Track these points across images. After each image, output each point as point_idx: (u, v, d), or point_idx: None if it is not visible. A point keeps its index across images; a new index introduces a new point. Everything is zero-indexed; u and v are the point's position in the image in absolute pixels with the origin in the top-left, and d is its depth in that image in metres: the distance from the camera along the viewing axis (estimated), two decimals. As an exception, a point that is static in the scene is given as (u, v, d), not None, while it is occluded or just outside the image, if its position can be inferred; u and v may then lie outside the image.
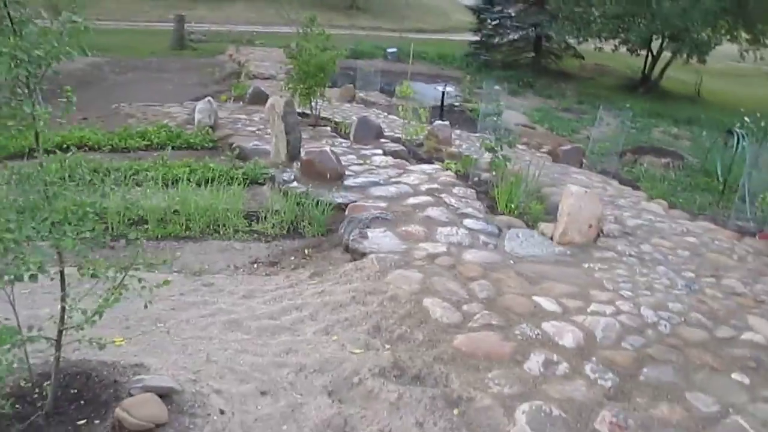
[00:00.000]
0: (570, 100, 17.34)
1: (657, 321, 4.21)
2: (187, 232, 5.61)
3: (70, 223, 2.44)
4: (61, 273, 2.76)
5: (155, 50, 21.52)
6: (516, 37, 22.20)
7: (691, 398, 3.47)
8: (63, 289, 2.78)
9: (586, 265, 5.08)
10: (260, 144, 8.53)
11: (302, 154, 7.28)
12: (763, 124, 9.58)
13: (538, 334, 3.89)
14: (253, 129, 9.89)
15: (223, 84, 17.66)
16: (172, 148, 8.80)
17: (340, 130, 10.31)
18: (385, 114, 12.93)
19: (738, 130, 8.70)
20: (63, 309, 2.80)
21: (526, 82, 18.92)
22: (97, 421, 2.81)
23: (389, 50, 21.97)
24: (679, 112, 16.61)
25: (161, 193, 6.37)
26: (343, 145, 8.97)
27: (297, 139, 7.80)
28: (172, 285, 4.75)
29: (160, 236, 5.50)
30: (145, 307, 2.88)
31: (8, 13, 2.12)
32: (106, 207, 5.59)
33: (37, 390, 2.91)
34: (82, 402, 2.94)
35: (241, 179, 6.84)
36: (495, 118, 12.46)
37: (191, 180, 6.69)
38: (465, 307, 4.15)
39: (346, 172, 6.97)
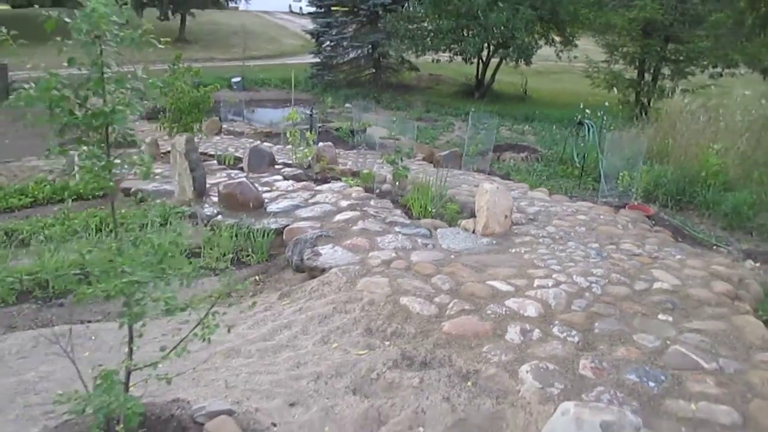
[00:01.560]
0: (419, 111, 18.55)
1: (589, 285, 5.02)
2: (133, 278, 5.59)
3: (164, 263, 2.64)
4: (129, 314, 2.90)
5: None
6: (355, 56, 23.20)
7: (637, 339, 4.26)
8: (131, 330, 2.92)
9: (513, 250, 5.83)
10: (159, 185, 8.48)
11: (214, 188, 7.42)
12: (600, 114, 11.16)
13: (505, 310, 4.52)
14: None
15: (71, 132, 16.72)
16: (61, 200, 8.49)
17: (226, 162, 10.41)
18: (258, 141, 13.13)
19: (587, 121, 10.07)
20: (131, 350, 2.94)
21: (372, 98, 19.89)
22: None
23: (234, 80, 22.03)
24: (515, 110, 18.41)
25: (80, 244, 6.26)
26: (240, 175, 9.13)
27: (202, 175, 7.90)
28: (149, 329, 4.83)
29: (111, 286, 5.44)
30: (207, 341, 3.06)
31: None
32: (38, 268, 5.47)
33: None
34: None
35: (157, 222, 6.86)
36: (361, 135, 13.22)
37: (102, 230, 6.63)
38: (437, 299, 4.68)
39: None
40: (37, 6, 3.58)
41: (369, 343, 4.23)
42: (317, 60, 23.62)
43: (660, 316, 4.61)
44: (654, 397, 3.62)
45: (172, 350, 2.89)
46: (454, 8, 18.27)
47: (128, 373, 2.93)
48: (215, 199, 7.53)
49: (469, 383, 3.75)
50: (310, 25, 44.03)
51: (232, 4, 41.75)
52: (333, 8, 22.00)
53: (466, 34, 18.93)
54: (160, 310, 2.53)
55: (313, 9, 25.40)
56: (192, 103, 10.39)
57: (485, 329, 4.27)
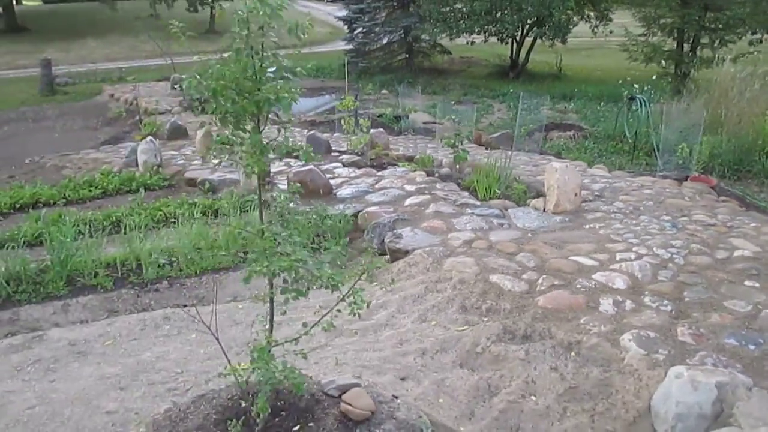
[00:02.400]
0: (457, 94, 18.56)
1: (670, 256, 5.10)
2: (220, 264, 5.82)
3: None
4: (270, 286, 3.07)
5: (24, 99, 20.31)
6: (387, 41, 23.22)
7: (728, 305, 4.34)
8: (272, 306, 3.11)
9: (588, 226, 5.92)
10: (223, 175, 8.69)
11: (277, 177, 7.60)
12: (646, 88, 11.10)
13: (594, 284, 4.63)
14: (198, 162, 9.96)
15: (115, 125, 17.11)
16: (129, 191, 8.77)
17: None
18: (306, 130, 13.31)
19: (639, 96, 10.05)
20: (271, 326, 3.13)
21: (408, 83, 19.93)
22: (311, 425, 3.15)
23: (269, 69, 22.14)
24: (551, 89, 18.30)
25: (162, 233, 6.50)
26: (299, 163, 9.31)
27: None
28: (249, 310, 5.05)
29: (199, 271, 5.68)
30: (357, 316, 3.20)
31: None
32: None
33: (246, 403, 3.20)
34: (282, 413, 3.26)
35: (232, 209, 7.07)
36: (405, 120, 13.31)
37: (181, 218, 6.86)
38: (525, 276, 4.81)
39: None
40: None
41: (467, 319, 4.38)
42: (350, 47, 23.66)
43: (746, 283, 4.68)
44: (756, 359, 3.71)
45: (313, 325, 3.06)
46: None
47: (269, 341, 3.11)
48: (283, 186, 7.71)
49: (573, 353, 3.89)
50: (337, 11, 44.24)
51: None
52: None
53: (499, 15, 18.83)
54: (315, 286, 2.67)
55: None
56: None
57: (579, 302, 4.39)
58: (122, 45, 31.64)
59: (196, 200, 7.44)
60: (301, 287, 2.66)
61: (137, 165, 9.76)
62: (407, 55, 23.01)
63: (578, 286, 4.61)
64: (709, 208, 6.49)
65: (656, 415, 3.32)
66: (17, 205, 8.10)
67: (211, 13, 35.00)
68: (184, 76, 2.81)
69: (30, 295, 5.25)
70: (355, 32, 23.27)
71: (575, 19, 19.77)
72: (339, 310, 3.04)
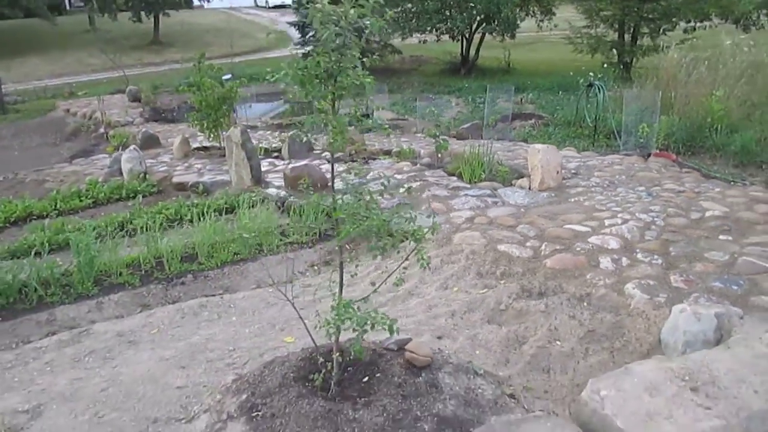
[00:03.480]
0: (414, 91, 19.13)
1: (652, 220, 5.72)
2: (237, 257, 6.15)
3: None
4: (340, 253, 3.48)
5: (-29, 119, 19.90)
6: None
7: (708, 256, 4.95)
8: (341, 271, 3.52)
9: (572, 200, 6.51)
10: (212, 177, 8.98)
11: (266, 176, 7.94)
12: (599, 76, 11.86)
13: (591, 246, 5.19)
14: (182, 167, 10.18)
15: (75, 140, 17.01)
16: (119, 199, 8.96)
17: (260, 153, 10.89)
18: (277, 132, 13.63)
19: (597, 83, 10.78)
20: (341, 288, 3.54)
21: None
22: (378, 375, 3.57)
23: (225, 77, 22.19)
24: (503, 82, 19.03)
25: (172, 233, 6.78)
26: (283, 162, 9.68)
27: (258, 163, 8.44)
28: (278, 294, 5.41)
29: (220, 264, 6.00)
30: (425, 268, 3.64)
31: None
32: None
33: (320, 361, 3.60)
34: (349, 368, 3.66)
35: (233, 207, 7.40)
36: (372, 117, 13.74)
37: (186, 217, 7.16)
38: (528, 244, 5.34)
39: (324, 180, 7.78)
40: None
41: (485, 283, 4.87)
42: (304, 51, 23.95)
43: (720, 237, 5.33)
44: (740, 296, 4.33)
45: (380, 284, 3.49)
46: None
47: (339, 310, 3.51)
48: (277, 183, 8.07)
49: (586, 303, 4.42)
50: (279, 17, 44.33)
51: (197, 3, 41.60)
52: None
53: (450, 14, 19.49)
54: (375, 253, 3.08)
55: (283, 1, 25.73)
56: (220, 98, 10.83)
57: (581, 261, 4.94)
58: (66, 60, 31.08)
59: (196, 201, 7.71)
60: (385, 246, 3.05)
61: (121, 174, 9.92)
62: (362, 56, 23.43)
63: (577, 248, 5.16)
64: (675, 179, 7.18)
65: (666, 345, 3.87)
66: (11, 219, 8.19)
67: (155, 23, 34.71)
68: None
69: (61, 296, 5.49)
70: (308, 36, 23.57)
71: (522, 14, 20.61)
72: (373, 283, 3.47)
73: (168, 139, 13.48)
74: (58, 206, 8.55)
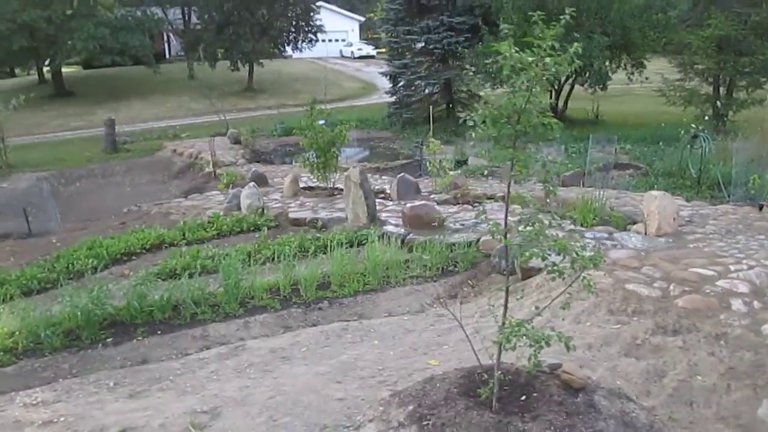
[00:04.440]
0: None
1: (779, 267, 5.78)
2: (367, 287, 6.56)
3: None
4: (507, 278, 3.80)
5: (90, 157, 21.52)
6: (428, 92, 24.38)
7: None
8: (506, 295, 3.84)
9: (692, 245, 6.63)
10: (329, 214, 9.52)
11: (402, 212, 8.38)
12: (701, 128, 11.90)
13: (720, 289, 5.31)
14: (294, 204, 10.81)
15: (182, 178, 18.19)
16: (240, 231, 9.59)
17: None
18: (378, 175, 14.23)
19: (701, 134, 10.86)
20: (505, 309, 3.85)
21: (451, 131, 20.94)
22: (535, 395, 3.83)
23: (320, 122, 23.31)
24: (593, 133, 19.18)
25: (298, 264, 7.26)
26: (391, 203, 10.15)
27: (374, 202, 8.91)
28: (414, 321, 5.77)
29: (353, 292, 6.42)
30: (590, 292, 3.94)
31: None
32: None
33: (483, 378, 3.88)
34: (506, 387, 3.93)
35: (352, 242, 7.84)
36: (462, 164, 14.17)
37: (309, 249, 7.64)
38: (655, 285, 5.50)
39: (438, 220, 8.17)
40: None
41: (618, 319, 5.07)
42: (393, 99, 24.88)
43: None
44: None
45: (544, 308, 3.79)
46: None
47: (501, 333, 3.81)
48: (393, 221, 8.51)
49: (722, 342, 4.55)
50: (365, 68, 45.97)
51: (287, 53, 43.62)
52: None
53: (541, 65, 19.89)
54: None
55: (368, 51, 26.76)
56: (329, 141, 11.49)
57: (713, 303, 5.06)
58: (168, 105, 33.22)
59: (318, 235, 8.21)
60: (561, 271, 3.36)
61: (239, 208, 10.62)
62: (449, 106, 24.12)
63: (706, 290, 5.29)
64: (794, 228, 7.19)
65: (812, 385, 3.96)
66: (146, 246, 8.93)
67: (250, 71, 36.68)
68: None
69: (211, 315, 6.02)
70: (398, 85, 24.47)
71: (613, 66, 20.78)
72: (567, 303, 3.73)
73: (274, 179, 14.28)
74: (186, 236, 9.25)
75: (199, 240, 9.23)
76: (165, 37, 48.73)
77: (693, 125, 11.46)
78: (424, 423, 3.60)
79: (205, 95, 26.87)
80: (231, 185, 13.92)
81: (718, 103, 16.22)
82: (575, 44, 3.17)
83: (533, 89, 3.28)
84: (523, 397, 3.81)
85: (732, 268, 5.77)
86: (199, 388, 4.68)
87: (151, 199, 14.80)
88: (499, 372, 3.77)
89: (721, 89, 18.74)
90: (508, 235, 3.62)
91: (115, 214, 12.85)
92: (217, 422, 4.10)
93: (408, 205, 8.30)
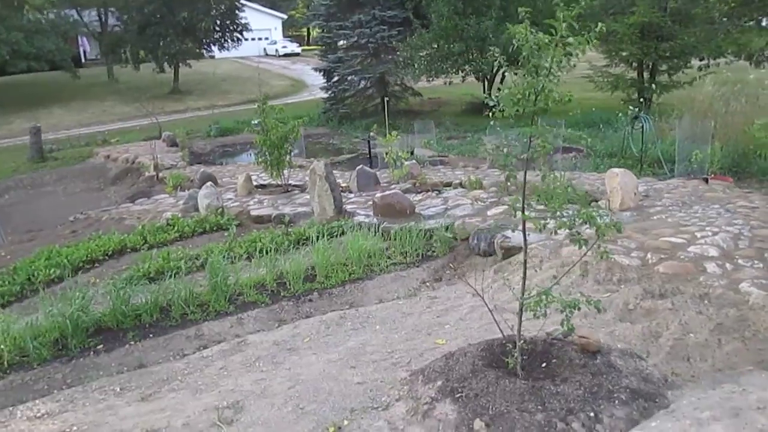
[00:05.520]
0: (451, 130, 19.91)
1: (739, 231, 6.23)
2: (352, 276, 6.63)
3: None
4: (525, 253, 3.97)
5: (15, 167, 20.50)
6: (362, 87, 24.49)
7: (803, 260, 5.47)
8: (525, 268, 4.01)
9: (655, 217, 7.03)
10: (294, 209, 9.51)
11: (373, 202, 8.46)
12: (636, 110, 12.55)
13: (693, 255, 5.68)
14: (252, 203, 10.72)
15: (120, 184, 17.59)
16: (203, 232, 9.45)
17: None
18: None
19: (642, 115, 11.46)
20: (524, 282, 4.02)
21: (389, 124, 21.12)
22: (554, 360, 4.03)
23: (254, 122, 23.03)
24: (527, 120, 19.84)
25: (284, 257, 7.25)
26: (353, 195, 10.23)
27: (340, 195, 8.97)
28: (410, 305, 5.89)
29: (340, 282, 6.48)
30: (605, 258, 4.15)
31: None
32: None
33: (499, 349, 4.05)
34: (524, 356, 4.11)
35: (327, 234, 7.89)
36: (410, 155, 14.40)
37: (282, 245, 7.64)
38: (633, 254, 5.83)
39: (407, 208, 8.32)
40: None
41: (606, 288, 5.36)
42: (327, 95, 24.88)
43: (805, 244, 5.84)
44: (844, 290, 4.82)
45: (562, 276, 3.98)
46: (462, 32, 19.82)
47: (521, 305, 3.99)
48: (361, 212, 8.60)
49: (707, 301, 4.90)
50: (291, 65, 45.58)
51: (212, 54, 42.69)
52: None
53: (474, 56, 20.39)
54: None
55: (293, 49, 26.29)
56: (282, 137, 11.43)
57: (689, 267, 5.43)
58: (90, 111, 31.91)
59: (290, 230, 8.21)
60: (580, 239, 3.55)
61: (196, 210, 10.44)
62: (384, 99, 24.32)
63: (681, 256, 5.66)
64: (743, 197, 7.74)
65: (794, 332, 4.34)
66: (108, 252, 8.68)
67: (176, 73, 35.73)
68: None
69: (201, 314, 5.95)
70: (333, 81, 24.49)
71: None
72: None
73: (222, 179, 14.08)
74: (147, 240, 9.04)
75: (161, 243, 9.04)
76: (80, 41, 46.70)
77: (631, 107, 12.06)
78: (458, 395, 3.75)
79: (135, 98, 26.02)
80: (179, 187, 13.63)
81: (653, 86, 17.06)
82: (600, 24, 3.33)
83: (552, 68, 3.44)
84: (544, 364, 4.02)
85: (698, 235, 6.18)
86: (213, 385, 4.65)
87: (89, 207, 14.28)
88: (521, 341, 3.95)
89: (645, 74, 19.71)
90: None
91: (59, 223, 12.37)
92: (243, 416, 4.11)
93: (378, 194, 8.41)
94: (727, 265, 5.43)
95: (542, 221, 3.82)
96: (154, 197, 13.27)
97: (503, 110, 3.61)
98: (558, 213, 3.74)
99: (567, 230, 3.65)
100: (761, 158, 9.98)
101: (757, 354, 4.25)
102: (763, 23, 20.63)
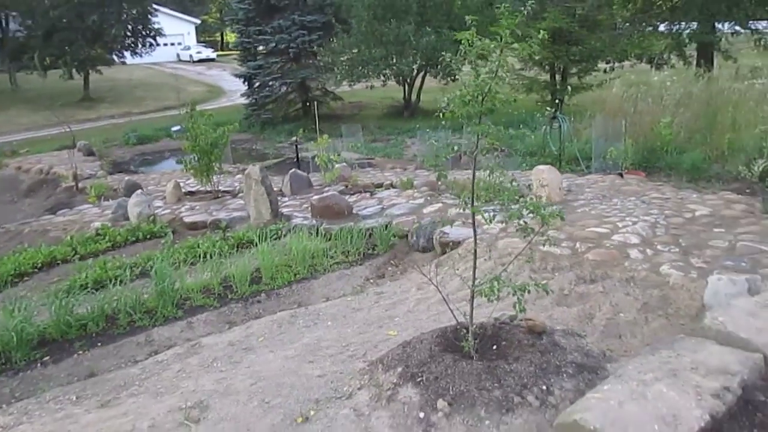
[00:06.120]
0: (375, 133, 20.20)
1: (656, 220, 6.81)
2: (297, 276, 6.77)
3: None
4: (475, 242, 4.26)
5: None
6: (284, 92, 24.48)
7: (712, 244, 6.00)
8: (475, 256, 4.30)
9: (580, 210, 7.54)
10: (228, 214, 9.52)
11: (310, 204, 8.59)
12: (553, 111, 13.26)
13: (617, 242, 6.18)
14: (184, 209, 10.62)
15: (35, 196, 16.88)
16: (135, 241, 9.30)
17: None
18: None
19: (560, 115, 12.12)
20: (474, 270, 4.31)
21: (312, 128, 21.26)
22: (504, 342, 4.33)
23: (174, 128, 22.65)
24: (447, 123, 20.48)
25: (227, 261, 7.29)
26: (287, 198, 10.33)
27: (276, 198, 9.07)
28: (359, 301, 6.09)
29: (286, 283, 6.60)
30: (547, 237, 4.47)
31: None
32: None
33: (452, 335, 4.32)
34: (475, 339, 4.40)
35: (267, 237, 7.97)
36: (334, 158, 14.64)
37: (223, 249, 7.69)
38: (564, 245, 6.27)
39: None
40: None
41: (542, 276, 5.75)
42: (249, 101, 24.71)
43: (715, 230, 6.45)
44: (748, 270, 5.38)
45: (511, 262, 4.29)
46: (382, 37, 20.21)
47: (472, 292, 4.27)
48: (298, 214, 8.73)
49: (632, 284, 5.37)
50: (207, 71, 44.79)
51: (123, 60, 41.37)
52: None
53: (395, 59, 20.81)
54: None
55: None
56: (212, 143, 11.38)
57: (615, 254, 5.91)
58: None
59: (228, 235, 8.24)
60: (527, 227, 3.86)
61: (126, 218, 10.26)
62: (306, 104, 24.41)
63: (607, 244, 6.15)
64: (656, 190, 8.40)
65: (710, 307, 4.84)
66: (37, 265, 8.42)
67: (86, 80, 34.42)
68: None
69: (150, 320, 5.94)
70: (254, 86, 24.34)
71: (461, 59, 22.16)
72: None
73: (147, 187, 13.80)
74: (77, 251, 8.82)
75: (92, 254, 8.83)
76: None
77: (547, 108, 12.74)
78: (418, 379, 3.98)
79: (45, 107, 24.92)
80: (102, 197, 13.27)
81: (568, 88, 17.99)
82: (542, 31, 3.65)
83: (497, 72, 3.74)
84: (494, 347, 4.31)
85: (620, 225, 6.71)
86: (173, 387, 4.69)
87: (3, 221, 13.66)
88: (474, 326, 4.24)
89: (557, 76, 20.72)
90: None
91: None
92: (210, 413, 4.19)
93: (315, 196, 8.58)
94: (648, 250, 5.94)
95: (488, 214, 4.08)
96: (76, 208, 12.87)
97: (453, 111, 3.84)
98: (506, 206, 4.00)
99: (516, 221, 3.92)
100: (668, 153, 10.80)
101: (680, 328, 4.72)
102: (661, 28, 22.12)
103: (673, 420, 2.69)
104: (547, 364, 3.93)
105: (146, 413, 4.30)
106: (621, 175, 9.55)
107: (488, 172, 4.22)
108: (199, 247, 7.94)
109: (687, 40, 20.92)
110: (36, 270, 8.32)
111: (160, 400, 4.52)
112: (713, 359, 3.14)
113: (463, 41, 3.86)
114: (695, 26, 20.90)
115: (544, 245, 4.21)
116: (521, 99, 21.19)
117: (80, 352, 5.52)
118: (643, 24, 20.21)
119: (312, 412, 4.02)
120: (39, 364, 5.37)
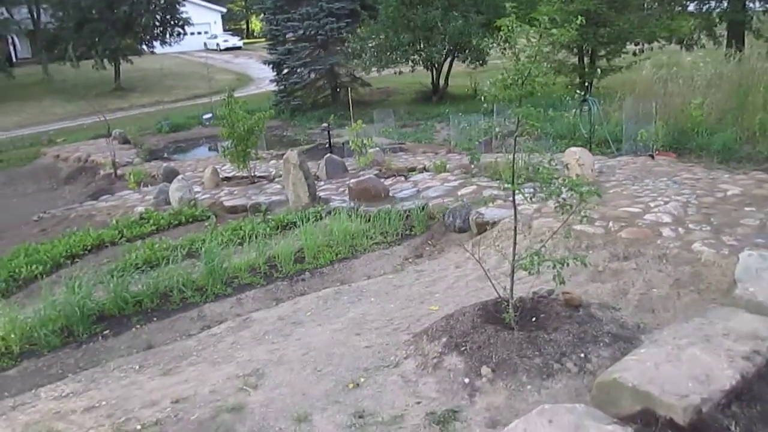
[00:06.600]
0: (404, 118, 20.41)
1: (687, 200, 6.95)
2: (338, 256, 7.06)
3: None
4: (515, 220, 4.49)
5: (-46, 169, 20.01)
6: (312, 78, 24.75)
7: (744, 222, 6.14)
8: (515, 234, 4.53)
9: (612, 191, 7.70)
10: (268, 198, 9.84)
11: (348, 187, 8.86)
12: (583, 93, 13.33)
13: (649, 221, 6.34)
14: (223, 194, 10.98)
15: (74, 183, 17.46)
16: (178, 224, 9.67)
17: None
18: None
19: (590, 98, 12.21)
20: (514, 246, 4.54)
21: (341, 115, 21.51)
22: (542, 315, 4.56)
23: (205, 116, 23.09)
24: (476, 107, 20.56)
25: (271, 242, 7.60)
26: (323, 182, 10.62)
27: (314, 182, 9.36)
28: (401, 279, 6.36)
29: (328, 262, 6.89)
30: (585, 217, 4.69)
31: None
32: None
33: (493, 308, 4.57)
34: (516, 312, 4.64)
35: (308, 219, 8.25)
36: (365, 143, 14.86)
37: (264, 231, 8.00)
38: (597, 224, 6.45)
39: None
40: None
41: (576, 254, 5.94)
42: (279, 88, 25.03)
43: (746, 209, 6.58)
44: (781, 248, 5.54)
45: (552, 234, 4.51)
46: (409, 22, 20.34)
47: (512, 266, 4.50)
48: (336, 197, 9.01)
49: (665, 261, 5.55)
50: (234, 59, 45.21)
51: (150, 49, 41.95)
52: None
53: (423, 45, 20.93)
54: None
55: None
56: (248, 130, 11.70)
57: (647, 233, 6.08)
58: (28, 111, 31.06)
59: (269, 217, 8.56)
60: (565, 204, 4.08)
61: (167, 203, 10.64)
62: (335, 90, 24.64)
63: (639, 223, 6.31)
64: (687, 171, 8.51)
65: (741, 282, 5.01)
66: (87, 247, 8.83)
67: (116, 70, 35.06)
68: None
69: (201, 297, 6.28)
70: (283, 73, 24.64)
71: (489, 42, 22.20)
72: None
73: (185, 173, 14.20)
74: (124, 234, 9.22)
75: (138, 236, 9.23)
76: (10, 40, 45.04)
77: (577, 91, 12.82)
78: (462, 348, 4.24)
79: (80, 96, 25.53)
80: (141, 183, 13.71)
81: (598, 70, 17.99)
82: (580, 17, 3.84)
83: (536, 56, 3.95)
84: (534, 318, 4.55)
85: (652, 204, 6.86)
86: (229, 357, 5.02)
87: (45, 207, 14.22)
88: (515, 299, 4.48)
89: (585, 59, 20.66)
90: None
91: (21, 223, 12.31)
92: (266, 380, 4.50)
93: (353, 180, 8.84)
94: (680, 229, 6.10)
95: (528, 191, 4.30)
96: (117, 194, 13.34)
97: (495, 94, 4.05)
98: (543, 185, 4.21)
99: (556, 197, 4.12)
100: (698, 135, 10.84)
101: (711, 303, 4.91)
102: (690, 8, 21.89)
103: (706, 379, 2.91)
104: (584, 334, 4.16)
105: (206, 380, 4.63)
106: (652, 156, 9.66)
107: (526, 153, 4.38)
108: (241, 229, 8.27)
109: (717, 20, 20.68)
110: (86, 252, 8.73)
111: (218, 368, 4.85)
112: (744, 326, 3.35)
113: (502, 27, 4.04)
114: (725, 5, 20.66)
115: (581, 221, 4.41)
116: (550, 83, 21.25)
117: (137, 326, 5.88)
118: (672, 4, 20.00)
119: (362, 379, 4.30)
120: (100, 337, 5.75)
